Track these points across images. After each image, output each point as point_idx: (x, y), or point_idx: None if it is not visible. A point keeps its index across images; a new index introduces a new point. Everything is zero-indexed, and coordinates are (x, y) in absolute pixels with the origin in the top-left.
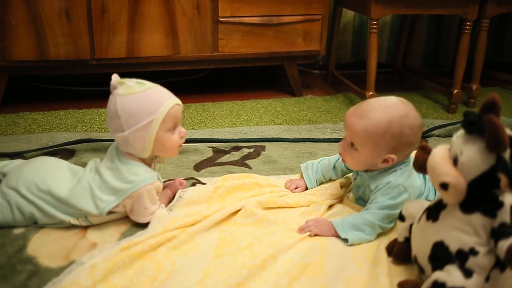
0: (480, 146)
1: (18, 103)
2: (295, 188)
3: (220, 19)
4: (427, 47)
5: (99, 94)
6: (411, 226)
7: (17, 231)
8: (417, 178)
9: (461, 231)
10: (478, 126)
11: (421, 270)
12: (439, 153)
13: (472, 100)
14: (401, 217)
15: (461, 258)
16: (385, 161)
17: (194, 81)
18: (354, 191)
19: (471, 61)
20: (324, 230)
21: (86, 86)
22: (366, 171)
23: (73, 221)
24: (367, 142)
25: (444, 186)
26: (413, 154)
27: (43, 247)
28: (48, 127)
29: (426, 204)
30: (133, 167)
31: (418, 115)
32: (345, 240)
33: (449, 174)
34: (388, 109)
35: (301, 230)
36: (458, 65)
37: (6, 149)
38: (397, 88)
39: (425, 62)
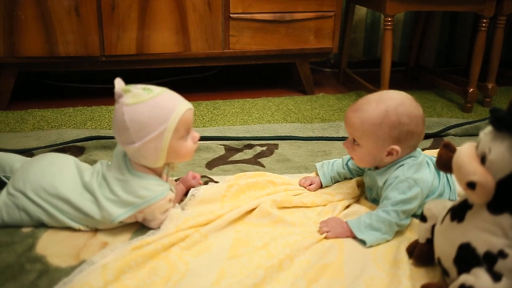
0: (510, 143)
1: (27, 100)
2: (310, 185)
3: (231, 15)
4: (440, 45)
5: (109, 91)
6: (433, 227)
7: (26, 229)
8: (427, 172)
9: (489, 232)
10: (508, 123)
11: (445, 273)
12: (466, 150)
13: (488, 99)
14: (423, 218)
15: (490, 260)
16: (389, 153)
17: (204, 78)
18: (367, 194)
19: (485, 59)
20: (337, 232)
21: (96, 83)
22: (374, 168)
23: (83, 228)
24: (366, 134)
25: (471, 185)
26: (431, 151)
27: (53, 246)
28: (57, 124)
29: (450, 204)
30: (144, 180)
31: (417, 105)
32: (363, 242)
33: (477, 172)
34: (382, 100)
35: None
36: (474, 63)
37: (15, 146)
38: (411, 87)
39: (438, 61)
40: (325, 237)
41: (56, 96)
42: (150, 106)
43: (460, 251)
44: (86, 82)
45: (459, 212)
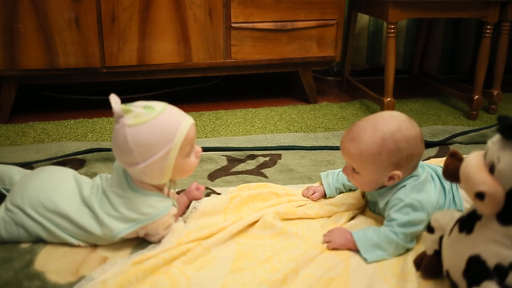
0: None
1: (28, 113)
2: (313, 194)
3: (232, 25)
4: (444, 52)
5: (110, 103)
6: (440, 238)
7: (24, 245)
8: (431, 190)
9: (499, 244)
10: None
11: (454, 286)
12: (473, 160)
13: (493, 106)
14: (430, 229)
15: (500, 273)
16: (391, 178)
17: (206, 88)
18: (370, 207)
19: (490, 66)
20: (339, 242)
21: (97, 95)
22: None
23: (83, 244)
24: (365, 164)
25: (480, 195)
26: (436, 160)
27: (52, 262)
28: (58, 137)
29: (457, 214)
30: (147, 197)
31: (413, 125)
32: (364, 259)
33: (486, 182)
34: (377, 126)
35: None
36: (478, 70)
37: (15, 160)
38: (415, 95)
39: (442, 68)
40: (327, 247)
41: (57, 108)
42: (154, 126)
43: (469, 263)
44: (87, 94)
45: (467, 223)
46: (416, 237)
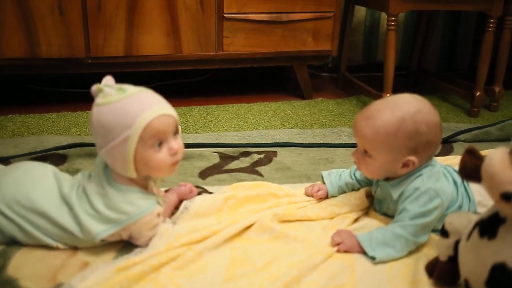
0: None
1: (8, 106)
2: (318, 191)
3: (225, 15)
4: (443, 48)
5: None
6: (456, 243)
7: None
8: (446, 182)
9: None
10: None
11: None
12: (498, 157)
13: (495, 104)
14: (444, 233)
15: None
16: (405, 165)
17: (197, 82)
18: (376, 206)
19: (491, 62)
20: (349, 244)
21: (82, 88)
22: (386, 179)
23: (61, 246)
24: (380, 145)
25: (507, 196)
26: (440, 158)
27: (26, 267)
28: (38, 131)
29: (475, 217)
30: (127, 194)
31: (435, 111)
32: (372, 258)
33: None
34: (397, 106)
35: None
36: (480, 66)
37: None
38: (413, 91)
39: (441, 64)
40: (337, 250)
41: (39, 101)
42: (116, 108)
43: (493, 271)
44: (71, 87)
45: (489, 227)
46: (427, 240)
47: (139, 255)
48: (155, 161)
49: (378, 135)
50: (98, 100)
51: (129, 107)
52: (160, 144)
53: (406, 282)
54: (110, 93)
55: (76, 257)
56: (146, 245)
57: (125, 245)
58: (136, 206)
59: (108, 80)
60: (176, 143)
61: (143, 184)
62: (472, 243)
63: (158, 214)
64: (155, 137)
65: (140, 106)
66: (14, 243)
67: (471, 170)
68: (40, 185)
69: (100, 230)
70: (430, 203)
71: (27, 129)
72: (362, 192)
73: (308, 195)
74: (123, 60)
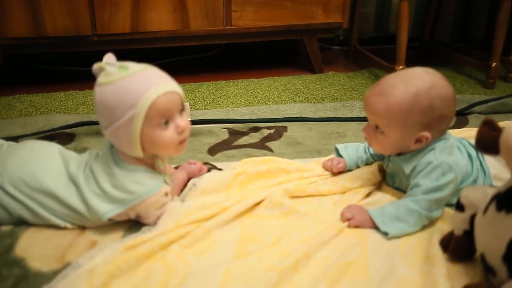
0: None
1: (16, 85)
2: (338, 164)
3: None
4: (456, 19)
5: None
6: (471, 217)
7: (4, 228)
8: (460, 155)
9: None
10: None
11: (490, 272)
12: None
13: (511, 75)
14: (460, 206)
15: None
16: (418, 140)
17: (206, 58)
18: (388, 181)
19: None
20: (360, 220)
21: (89, 66)
22: (398, 154)
23: (69, 225)
24: (393, 122)
25: None
26: (455, 130)
27: (35, 247)
28: (46, 110)
29: (491, 191)
30: (133, 173)
31: (448, 84)
32: (385, 233)
33: None
34: (411, 81)
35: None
36: (497, 35)
37: None
38: (426, 63)
39: (454, 35)
40: (348, 225)
41: (47, 80)
42: (119, 87)
43: (511, 246)
44: (79, 65)
45: (507, 200)
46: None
47: (147, 233)
48: (162, 139)
49: (391, 112)
50: (100, 79)
51: (132, 85)
52: (166, 122)
53: (420, 258)
54: (112, 72)
55: (84, 236)
56: (154, 224)
57: (133, 224)
58: (143, 185)
59: (109, 57)
60: (183, 121)
61: (150, 163)
62: (489, 217)
63: (166, 194)
64: (161, 115)
65: (144, 84)
66: (22, 223)
67: (489, 142)
68: (46, 165)
69: (107, 210)
70: (443, 177)
71: (35, 109)
72: (374, 166)
73: (327, 169)
74: (129, 37)
